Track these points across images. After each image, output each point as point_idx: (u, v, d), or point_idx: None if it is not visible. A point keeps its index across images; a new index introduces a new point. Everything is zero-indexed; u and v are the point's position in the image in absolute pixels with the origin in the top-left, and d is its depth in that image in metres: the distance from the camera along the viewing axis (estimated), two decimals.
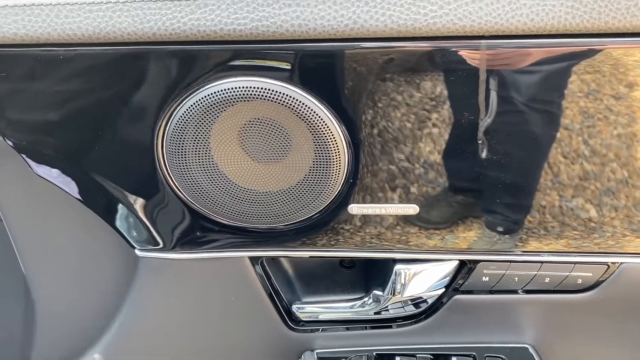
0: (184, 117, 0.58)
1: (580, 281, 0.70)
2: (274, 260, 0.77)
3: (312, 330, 0.80)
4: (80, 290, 0.83)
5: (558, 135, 0.58)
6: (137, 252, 0.73)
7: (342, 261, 0.81)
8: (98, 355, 0.84)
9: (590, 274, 0.69)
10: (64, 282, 0.83)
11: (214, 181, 0.63)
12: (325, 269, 0.81)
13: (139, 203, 0.66)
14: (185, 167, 0.62)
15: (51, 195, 0.72)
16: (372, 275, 0.79)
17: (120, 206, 0.67)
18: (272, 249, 0.70)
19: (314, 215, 0.65)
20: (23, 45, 0.55)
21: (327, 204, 0.64)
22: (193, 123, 0.59)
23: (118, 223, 0.70)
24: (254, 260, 0.73)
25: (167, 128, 0.60)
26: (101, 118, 0.60)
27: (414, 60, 0.55)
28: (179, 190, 0.64)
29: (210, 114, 0.58)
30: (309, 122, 0.58)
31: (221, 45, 0.55)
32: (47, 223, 0.78)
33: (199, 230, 0.69)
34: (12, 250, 0.86)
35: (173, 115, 0.59)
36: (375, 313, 0.77)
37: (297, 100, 0.57)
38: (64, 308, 0.85)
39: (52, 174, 0.66)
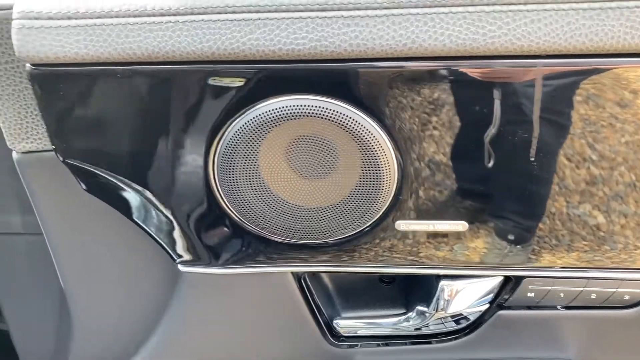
0: (237, 134, 0.59)
1: (627, 297, 0.69)
2: (314, 275, 0.77)
3: (352, 346, 0.80)
4: (119, 306, 0.83)
5: (620, 150, 0.58)
6: (179, 267, 0.73)
7: (382, 276, 0.81)
8: None
9: (638, 290, 0.69)
10: (103, 297, 0.83)
11: (262, 198, 0.63)
12: (364, 284, 0.81)
13: (187, 219, 0.67)
14: (235, 184, 0.62)
15: (92, 210, 0.73)
16: (413, 290, 0.79)
17: (167, 222, 0.68)
18: (317, 264, 0.71)
19: (361, 230, 0.65)
20: (83, 64, 0.56)
21: (375, 220, 0.64)
22: (244, 140, 0.59)
23: (163, 238, 0.70)
24: (296, 275, 0.74)
25: (220, 146, 0.60)
26: (156, 136, 0.60)
27: (469, 79, 0.55)
28: (228, 207, 0.65)
29: (261, 131, 0.59)
30: (360, 139, 0.58)
31: (277, 65, 0.56)
32: (87, 238, 0.78)
33: (245, 246, 0.69)
34: (52, 263, 0.86)
35: (226, 133, 0.59)
36: (415, 329, 0.77)
37: (350, 117, 0.57)
38: (102, 323, 0.85)
39: (101, 191, 0.67)
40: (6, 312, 0.98)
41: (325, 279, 0.80)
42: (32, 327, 0.99)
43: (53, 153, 0.67)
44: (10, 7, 0.60)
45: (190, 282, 0.76)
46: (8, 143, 0.68)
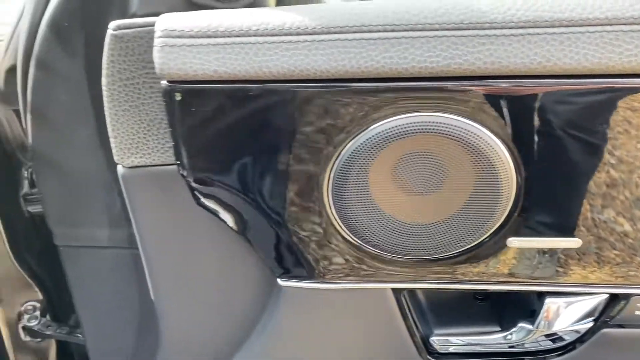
0: (356, 151, 0.60)
1: None
2: (412, 291, 0.78)
3: None
4: (210, 319, 0.83)
5: None
6: (279, 281, 0.74)
7: (476, 293, 0.81)
8: None
9: None
10: (195, 311, 0.83)
11: (372, 215, 0.64)
12: (458, 300, 0.81)
13: (298, 235, 0.67)
14: (347, 202, 0.63)
15: (192, 225, 0.74)
16: (509, 307, 0.78)
17: (276, 236, 0.69)
18: (421, 281, 0.71)
19: (472, 247, 0.66)
20: (218, 82, 0.57)
21: (487, 236, 0.65)
22: (360, 158, 0.60)
23: (269, 252, 0.71)
24: (396, 291, 0.74)
25: (337, 163, 0.61)
26: (280, 153, 0.62)
27: (600, 97, 0.56)
28: (340, 224, 0.65)
29: (378, 148, 0.60)
30: (483, 156, 0.59)
31: (408, 82, 0.57)
32: (184, 252, 0.79)
33: (351, 262, 0.69)
34: (133, 278, 0.87)
35: (344, 150, 0.60)
36: (510, 346, 0.77)
37: (476, 135, 0.58)
38: (192, 337, 0.85)
39: (213, 204, 0.68)
40: (85, 325, 0.99)
41: (420, 294, 0.80)
42: (109, 341, 1.00)
43: (158, 168, 0.69)
44: (137, 26, 0.62)
45: (287, 295, 0.76)
46: (116, 158, 0.69)
